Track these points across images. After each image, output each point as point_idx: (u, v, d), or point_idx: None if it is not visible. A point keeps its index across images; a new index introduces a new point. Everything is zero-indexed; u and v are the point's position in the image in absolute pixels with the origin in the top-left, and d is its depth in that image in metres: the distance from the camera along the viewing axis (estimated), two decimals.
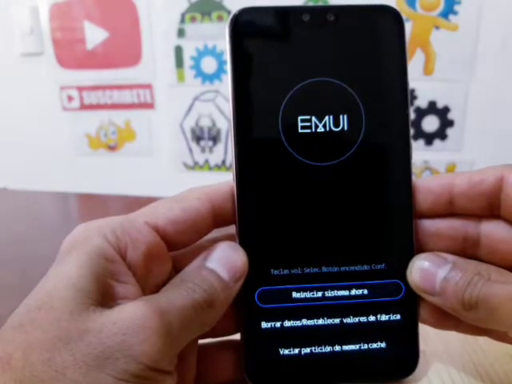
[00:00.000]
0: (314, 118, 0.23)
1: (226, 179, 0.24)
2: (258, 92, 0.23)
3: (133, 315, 0.17)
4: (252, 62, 0.23)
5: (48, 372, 0.16)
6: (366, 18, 0.23)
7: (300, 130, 0.23)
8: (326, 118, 0.23)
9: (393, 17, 0.23)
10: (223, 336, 0.25)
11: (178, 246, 0.23)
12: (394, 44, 0.23)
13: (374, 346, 0.24)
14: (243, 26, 0.22)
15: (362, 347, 0.23)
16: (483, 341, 0.27)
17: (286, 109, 0.23)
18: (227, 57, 0.23)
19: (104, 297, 0.18)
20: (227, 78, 0.23)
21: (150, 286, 0.21)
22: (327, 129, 0.23)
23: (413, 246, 0.23)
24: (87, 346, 0.16)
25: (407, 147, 0.23)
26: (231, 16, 0.22)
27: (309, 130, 0.23)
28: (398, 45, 0.23)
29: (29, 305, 0.18)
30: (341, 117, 0.23)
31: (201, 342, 0.24)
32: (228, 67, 0.23)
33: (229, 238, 0.24)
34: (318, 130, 0.23)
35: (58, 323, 0.17)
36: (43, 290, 0.18)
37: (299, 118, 0.23)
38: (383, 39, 0.23)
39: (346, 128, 0.23)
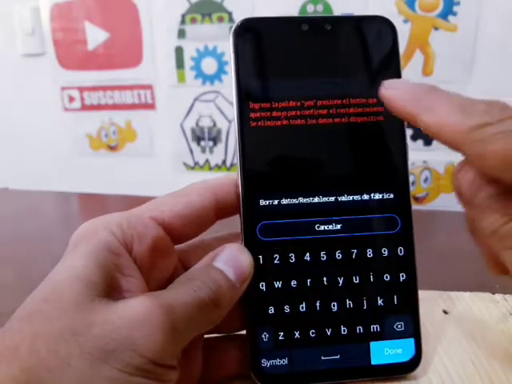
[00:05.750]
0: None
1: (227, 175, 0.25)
2: (260, 94, 0.24)
3: (138, 310, 0.18)
4: (254, 67, 0.24)
5: (53, 361, 0.16)
6: (360, 26, 0.24)
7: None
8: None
9: (385, 24, 0.24)
10: (228, 332, 0.25)
11: (182, 239, 0.23)
12: (386, 48, 0.24)
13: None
14: (246, 35, 0.24)
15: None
16: (483, 340, 0.28)
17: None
18: (231, 63, 0.24)
19: (109, 289, 0.19)
20: (231, 81, 0.24)
21: (154, 279, 0.22)
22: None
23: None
24: (93, 338, 0.17)
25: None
26: (234, 26, 0.24)
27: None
28: (391, 49, 0.24)
29: (36, 297, 0.18)
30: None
31: (207, 336, 0.24)
32: (232, 72, 0.24)
33: (234, 236, 0.25)
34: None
35: (64, 314, 0.17)
36: (50, 283, 0.18)
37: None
38: (376, 44, 0.24)
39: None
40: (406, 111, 0.20)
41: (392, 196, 0.24)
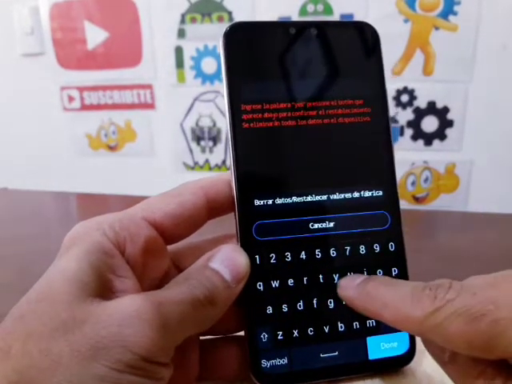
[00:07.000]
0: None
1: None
2: (251, 96, 0.24)
3: (128, 307, 0.18)
4: (245, 70, 0.24)
5: (45, 361, 0.16)
6: (345, 31, 0.26)
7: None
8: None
9: (368, 30, 0.26)
10: (224, 334, 0.25)
11: (174, 239, 0.23)
12: (370, 52, 0.26)
13: None
14: (236, 39, 0.24)
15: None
16: None
17: None
18: (222, 66, 0.24)
19: (102, 290, 0.19)
20: (223, 84, 0.24)
21: (148, 280, 0.22)
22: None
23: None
24: (83, 336, 0.17)
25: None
26: (225, 30, 0.24)
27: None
28: (375, 52, 0.26)
29: (29, 298, 0.18)
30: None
31: (204, 338, 0.24)
32: (223, 75, 0.24)
33: (226, 237, 0.25)
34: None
35: (56, 315, 0.17)
36: (43, 284, 0.19)
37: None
38: (361, 48, 0.26)
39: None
40: (366, 310, 0.20)
41: (381, 193, 0.25)
